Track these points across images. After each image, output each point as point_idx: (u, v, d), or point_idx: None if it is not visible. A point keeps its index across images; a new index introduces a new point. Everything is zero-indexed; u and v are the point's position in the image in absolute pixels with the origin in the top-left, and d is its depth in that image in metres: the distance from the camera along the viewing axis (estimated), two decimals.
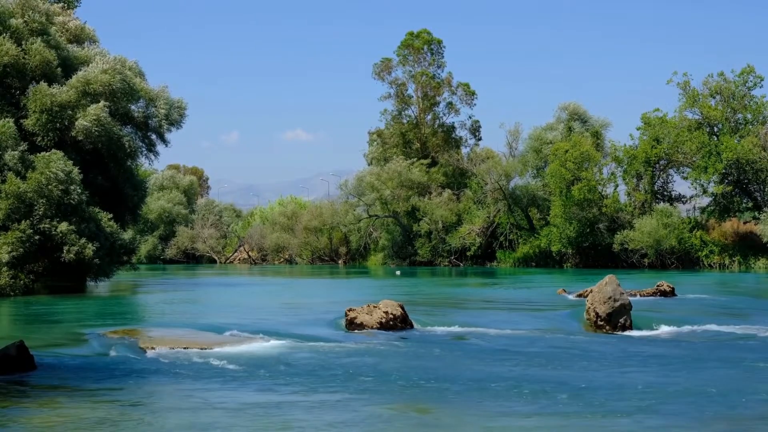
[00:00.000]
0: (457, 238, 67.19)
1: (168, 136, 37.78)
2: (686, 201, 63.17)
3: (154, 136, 37.52)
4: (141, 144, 37.17)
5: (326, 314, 22.93)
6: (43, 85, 32.25)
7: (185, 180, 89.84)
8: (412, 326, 20.28)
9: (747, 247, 56.87)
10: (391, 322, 19.79)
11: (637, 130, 62.09)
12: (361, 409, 11.68)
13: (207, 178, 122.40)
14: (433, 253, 69.15)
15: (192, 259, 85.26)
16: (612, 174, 62.51)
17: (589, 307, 20.68)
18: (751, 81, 59.37)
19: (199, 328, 19.82)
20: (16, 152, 30.45)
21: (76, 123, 32.14)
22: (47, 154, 30.66)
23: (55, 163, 30.16)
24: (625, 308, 20.29)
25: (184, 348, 16.41)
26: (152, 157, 38.18)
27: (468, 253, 67.35)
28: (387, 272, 59.83)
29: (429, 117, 75.41)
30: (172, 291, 37.69)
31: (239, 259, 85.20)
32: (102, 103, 32.44)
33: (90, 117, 32.04)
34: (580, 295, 27.95)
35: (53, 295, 30.22)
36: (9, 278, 29.75)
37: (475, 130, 76.83)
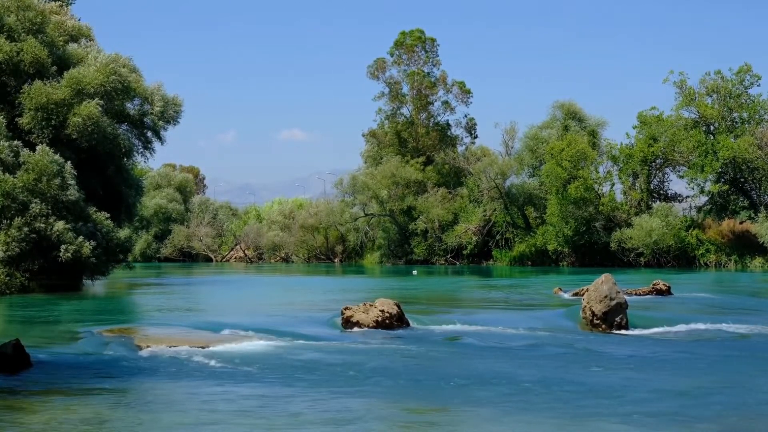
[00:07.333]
0: (453, 237, 67.21)
1: (164, 134, 37.79)
2: (682, 200, 63.27)
3: (149, 134, 37.45)
4: (137, 142, 37.12)
5: (322, 313, 22.92)
6: (39, 83, 32.21)
7: (179, 176, 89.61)
8: (408, 325, 20.27)
9: (743, 246, 56.91)
10: (387, 321, 19.77)
11: (634, 128, 62.19)
12: (357, 408, 11.68)
13: (203, 177, 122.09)
14: (429, 252, 69.14)
15: (188, 258, 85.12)
16: (608, 173, 62.54)
17: (585, 306, 20.68)
18: (748, 80, 59.49)
19: (194, 326, 19.81)
20: (6, 143, 30.28)
21: (70, 120, 32.07)
22: (39, 148, 30.54)
23: (45, 157, 30.01)
24: (621, 307, 20.29)
25: (180, 346, 16.38)
26: (148, 155, 38.18)
27: (464, 252, 67.37)
28: (384, 271, 59.84)
29: (424, 116, 75.33)
30: (167, 290, 37.65)
31: (235, 258, 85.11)
32: (95, 100, 32.36)
33: (83, 114, 31.96)
34: (575, 294, 27.97)
35: (49, 294, 30.17)
36: (5, 276, 29.69)
37: (470, 128, 76.77)
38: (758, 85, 59.93)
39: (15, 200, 29.73)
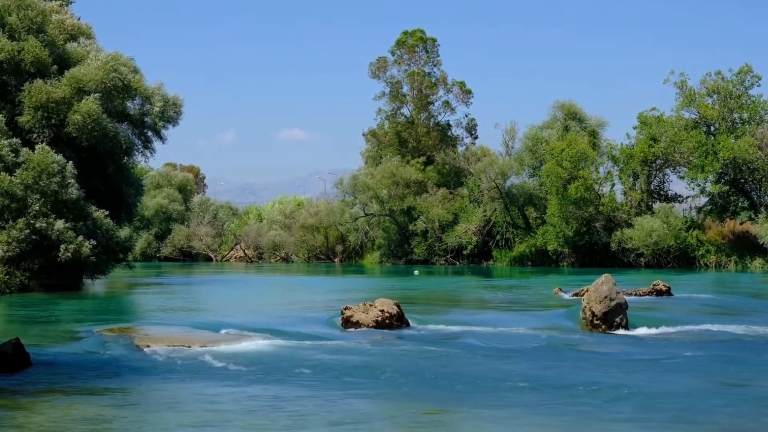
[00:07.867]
0: (453, 237, 67.18)
1: (164, 133, 37.75)
2: (682, 200, 63.27)
3: (150, 133, 37.44)
4: (137, 141, 37.11)
5: (322, 313, 22.94)
6: (39, 81, 32.22)
7: (179, 176, 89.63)
8: (408, 325, 20.28)
9: (743, 247, 56.91)
10: (387, 321, 19.78)
11: (634, 129, 62.15)
12: (357, 408, 11.69)
13: (203, 177, 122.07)
14: (429, 252, 69.12)
15: (188, 258, 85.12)
16: (608, 173, 62.50)
17: (585, 307, 20.69)
18: (748, 80, 59.47)
19: (194, 326, 19.82)
20: (6, 141, 30.26)
21: (70, 118, 32.07)
22: (38, 146, 30.54)
23: (46, 156, 29.99)
24: (621, 307, 20.30)
25: (180, 346, 16.39)
26: (148, 155, 38.15)
27: (464, 252, 67.33)
28: (384, 271, 59.82)
29: (424, 116, 75.29)
30: (168, 289, 37.66)
31: (235, 258, 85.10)
32: (93, 96, 32.33)
33: (82, 111, 31.97)
34: (575, 295, 27.98)
35: (49, 293, 30.17)
36: (5, 276, 29.70)
37: (471, 128, 76.73)
38: (758, 86, 60.00)
39: (14, 199, 29.72)
